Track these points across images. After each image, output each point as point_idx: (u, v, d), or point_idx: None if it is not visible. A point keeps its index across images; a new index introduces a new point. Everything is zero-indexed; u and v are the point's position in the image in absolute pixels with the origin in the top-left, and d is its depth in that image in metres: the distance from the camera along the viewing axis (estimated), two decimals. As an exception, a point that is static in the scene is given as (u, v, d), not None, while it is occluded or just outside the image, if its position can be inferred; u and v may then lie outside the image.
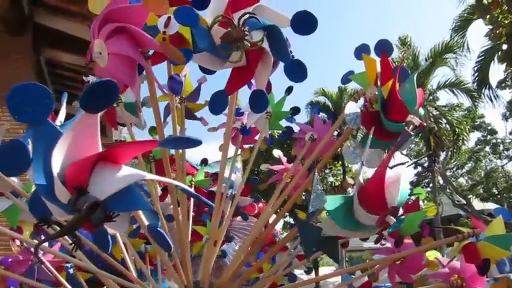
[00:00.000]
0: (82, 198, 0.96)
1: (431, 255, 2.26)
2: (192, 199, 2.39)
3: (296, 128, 2.60)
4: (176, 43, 1.65)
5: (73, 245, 1.08)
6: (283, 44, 1.47)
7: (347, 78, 1.94)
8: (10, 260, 2.48)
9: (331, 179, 24.42)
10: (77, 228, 1.01)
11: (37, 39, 7.49)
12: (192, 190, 1.25)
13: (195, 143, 1.11)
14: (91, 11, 1.47)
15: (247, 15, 1.40)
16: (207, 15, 1.49)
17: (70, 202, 0.98)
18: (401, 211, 1.41)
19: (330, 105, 22.53)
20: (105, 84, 1.03)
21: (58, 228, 1.06)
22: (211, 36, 1.44)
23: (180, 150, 2.08)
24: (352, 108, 1.53)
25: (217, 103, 1.57)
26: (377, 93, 1.63)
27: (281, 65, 1.52)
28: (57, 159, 1.01)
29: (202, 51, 1.51)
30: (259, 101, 1.57)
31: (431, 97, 18.81)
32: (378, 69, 1.69)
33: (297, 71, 1.49)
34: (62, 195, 1.00)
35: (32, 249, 2.30)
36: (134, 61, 1.40)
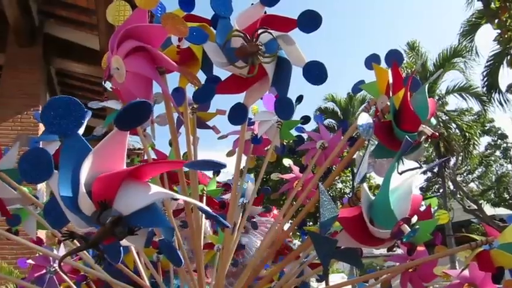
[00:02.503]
0: (105, 213, 0.98)
1: (438, 269, 2.26)
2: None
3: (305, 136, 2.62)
4: (187, 55, 1.69)
5: (97, 258, 1.11)
6: (287, 80, 1.51)
7: (357, 87, 1.96)
8: (26, 262, 2.51)
9: (340, 185, 24.38)
10: (101, 242, 1.03)
11: (47, 50, 7.59)
12: (210, 210, 1.27)
13: (220, 166, 1.14)
14: (111, 22, 1.49)
15: (261, 30, 1.43)
16: (236, 18, 1.52)
17: (93, 215, 1.00)
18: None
19: (339, 111, 22.53)
20: (140, 105, 1.06)
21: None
22: (230, 41, 1.47)
23: (193, 159, 2.10)
24: (365, 119, 1.54)
25: (203, 94, 1.60)
26: (388, 103, 1.64)
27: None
28: (85, 172, 1.03)
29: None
30: (239, 113, 1.60)
31: (440, 102, 18.73)
32: (389, 79, 1.70)
33: (285, 109, 1.57)
34: (86, 207, 1.02)
35: (57, 262, 2.32)
36: (150, 79, 1.43)
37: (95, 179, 1.03)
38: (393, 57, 1.76)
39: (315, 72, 1.49)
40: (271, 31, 1.46)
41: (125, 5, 1.52)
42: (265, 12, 1.56)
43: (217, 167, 1.15)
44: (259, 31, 1.43)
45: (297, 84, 1.58)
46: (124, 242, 1.15)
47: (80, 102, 1.08)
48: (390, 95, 1.64)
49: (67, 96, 1.06)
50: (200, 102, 1.68)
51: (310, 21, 1.48)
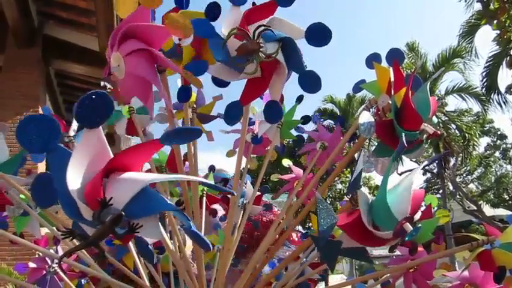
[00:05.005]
0: (105, 211, 0.97)
1: (439, 272, 2.25)
2: (204, 210, 2.41)
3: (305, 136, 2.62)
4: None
5: (98, 256, 1.09)
6: (298, 56, 1.49)
7: (358, 87, 1.95)
8: (24, 267, 2.51)
9: (340, 186, 24.34)
10: (101, 240, 1.02)
11: (46, 51, 7.59)
12: (207, 181, 1.25)
13: (196, 133, 1.10)
14: (121, 17, 1.45)
15: (262, 28, 1.42)
16: (223, 27, 1.51)
17: (94, 217, 0.99)
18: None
19: (338, 112, 22.52)
20: (96, 97, 1.03)
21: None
22: (226, 48, 1.46)
23: (193, 160, 2.09)
24: (366, 117, 1.53)
25: (232, 114, 1.58)
26: (389, 102, 1.63)
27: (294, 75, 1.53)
28: (74, 180, 1.02)
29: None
30: (273, 111, 1.59)
31: (439, 102, 18.69)
32: (391, 77, 1.70)
33: (311, 82, 1.51)
34: (85, 212, 1.01)
35: (56, 260, 2.32)
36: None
37: (86, 184, 1.03)
38: (394, 56, 1.76)
39: (318, 33, 1.48)
40: (266, 25, 1.45)
41: None
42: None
43: (192, 134, 1.12)
44: (259, 29, 1.42)
45: (297, 85, 1.56)
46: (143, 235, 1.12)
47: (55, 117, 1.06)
48: (392, 93, 1.64)
49: (37, 114, 1.05)
50: (232, 123, 1.68)
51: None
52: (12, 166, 1.92)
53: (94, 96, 1.03)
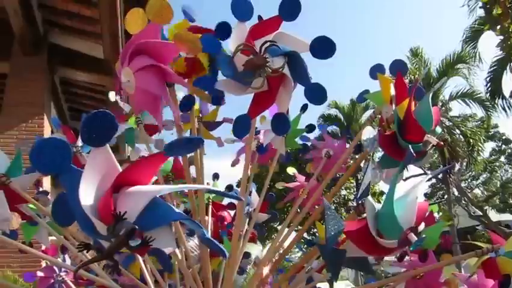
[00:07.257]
0: (120, 224, 0.99)
1: (448, 271, 2.25)
2: (211, 217, 2.42)
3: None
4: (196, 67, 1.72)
5: (111, 268, 1.11)
6: (304, 69, 1.51)
7: (362, 97, 1.97)
8: (33, 276, 2.53)
9: (344, 192, 24.29)
10: (115, 253, 1.04)
11: (51, 59, 7.64)
12: (214, 188, 1.28)
13: (197, 142, 1.14)
14: (130, 33, 1.48)
15: (268, 44, 1.45)
16: (230, 43, 1.54)
17: (108, 231, 1.01)
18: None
19: (342, 118, 22.52)
20: (100, 116, 1.05)
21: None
22: (234, 64, 1.49)
23: (199, 168, 2.11)
24: (369, 132, 1.55)
25: (241, 127, 1.60)
26: (393, 113, 1.65)
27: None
28: (86, 197, 1.04)
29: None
30: (281, 124, 1.61)
31: (443, 108, 18.68)
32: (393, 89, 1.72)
33: (317, 95, 1.54)
34: (100, 228, 1.04)
35: (69, 271, 2.34)
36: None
37: (98, 201, 1.05)
38: (397, 67, 1.78)
39: (323, 47, 1.51)
40: (272, 40, 1.48)
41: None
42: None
43: (195, 143, 1.14)
44: (265, 45, 1.45)
45: (301, 92, 1.59)
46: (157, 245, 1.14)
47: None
48: (395, 106, 1.66)
49: (50, 138, 1.07)
50: (242, 136, 1.73)
51: (290, 8, 1.50)
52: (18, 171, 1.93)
53: (98, 116, 1.05)
